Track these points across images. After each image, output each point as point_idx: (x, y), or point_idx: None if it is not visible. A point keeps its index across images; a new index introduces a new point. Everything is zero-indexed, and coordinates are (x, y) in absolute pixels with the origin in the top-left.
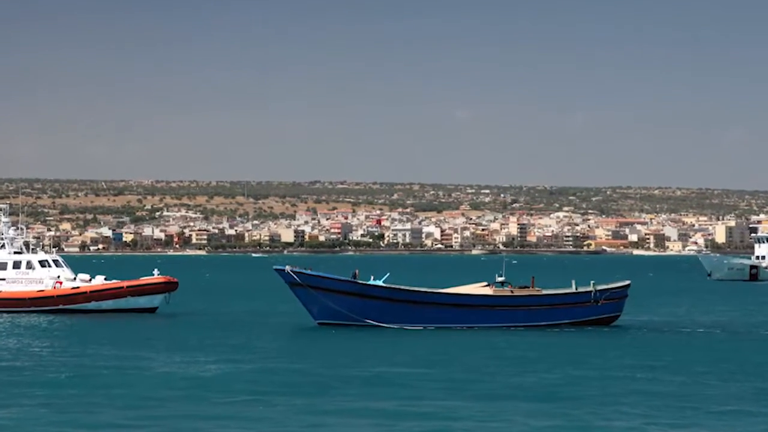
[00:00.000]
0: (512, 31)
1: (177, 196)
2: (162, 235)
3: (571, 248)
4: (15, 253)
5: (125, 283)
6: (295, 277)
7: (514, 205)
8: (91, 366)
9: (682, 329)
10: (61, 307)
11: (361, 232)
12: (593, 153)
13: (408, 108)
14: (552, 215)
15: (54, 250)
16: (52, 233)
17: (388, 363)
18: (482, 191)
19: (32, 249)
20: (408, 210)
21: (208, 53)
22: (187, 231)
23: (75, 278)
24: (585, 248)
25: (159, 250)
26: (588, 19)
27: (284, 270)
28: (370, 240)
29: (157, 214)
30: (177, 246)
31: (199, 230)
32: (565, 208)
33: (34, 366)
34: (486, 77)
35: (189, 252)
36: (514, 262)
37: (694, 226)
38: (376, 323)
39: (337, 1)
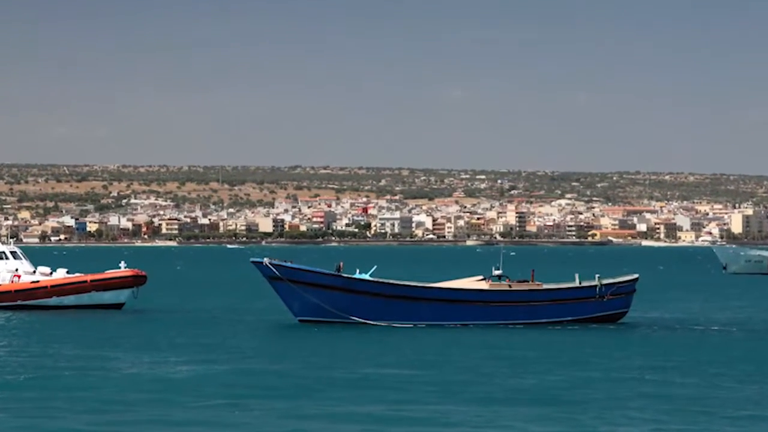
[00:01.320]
0: (510, 3)
1: (145, 182)
2: (129, 225)
3: (574, 239)
4: None
5: (89, 277)
6: (274, 270)
7: (512, 192)
8: (51, 367)
9: (694, 327)
10: (19, 302)
11: (345, 221)
12: (598, 135)
13: (397, 87)
14: (553, 203)
15: (11, 240)
16: (10, 222)
17: (376, 364)
18: (477, 177)
19: None
20: (397, 197)
21: (180, 28)
22: (156, 220)
23: (35, 272)
24: (589, 239)
25: (126, 240)
26: None
27: (262, 263)
28: (356, 230)
29: (124, 201)
30: (145, 236)
31: (169, 219)
32: (568, 196)
33: None
34: (482, 53)
35: (159, 243)
36: (513, 254)
37: (708, 214)
38: (363, 320)
39: None
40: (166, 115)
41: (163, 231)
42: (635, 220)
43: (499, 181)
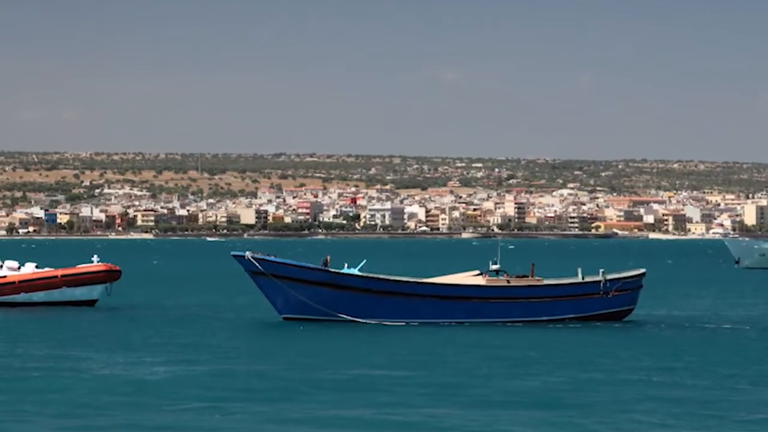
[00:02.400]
0: None
1: (120, 170)
2: (102, 216)
3: (576, 231)
4: None
5: (60, 272)
6: (257, 264)
7: (510, 181)
8: (19, 368)
9: (705, 325)
10: None
11: (333, 212)
12: (603, 120)
13: (387, 69)
14: (555, 193)
15: None
16: None
17: (365, 364)
18: (474, 165)
19: None
20: (388, 187)
21: (156, 5)
22: (131, 211)
23: (1, 266)
24: (593, 231)
25: (99, 233)
26: None
27: (244, 256)
28: (344, 222)
29: (97, 191)
30: (120, 228)
31: (145, 210)
32: (570, 185)
33: None
34: (477, 33)
35: (134, 235)
36: (511, 247)
37: (719, 205)
38: (351, 318)
39: None
40: (142, 99)
41: (139, 223)
42: (642, 211)
43: (497, 170)
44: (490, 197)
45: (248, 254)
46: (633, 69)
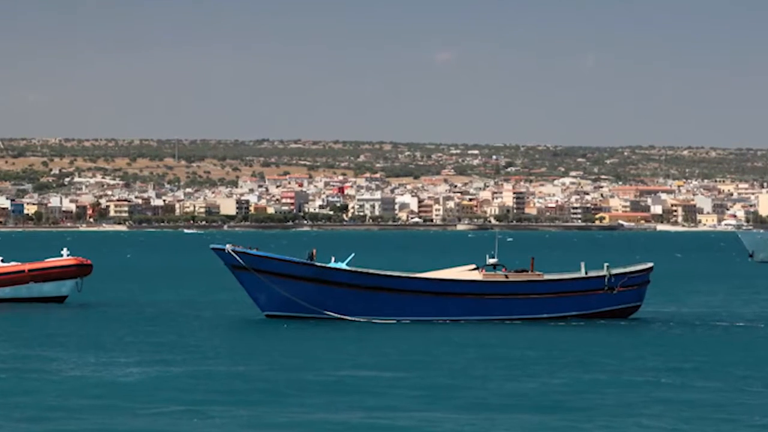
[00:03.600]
0: None
1: (91, 157)
2: (72, 207)
3: (579, 223)
4: None
5: (27, 266)
6: (238, 258)
7: (509, 169)
8: None
9: (717, 323)
10: None
11: (319, 202)
12: (608, 104)
13: (377, 49)
14: (556, 182)
15: None
16: None
17: (353, 365)
18: (470, 152)
19: None
20: (377, 175)
21: None
22: (103, 201)
23: None
24: (597, 223)
25: (69, 224)
26: None
27: (224, 250)
28: (331, 212)
29: (67, 180)
30: (91, 220)
31: (118, 200)
32: (573, 173)
33: None
34: (473, 9)
35: (106, 227)
36: (509, 239)
37: (732, 195)
38: (339, 316)
39: None
40: (115, 81)
41: (111, 214)
42: (649, 201)
43: (495, 157)
44: (487, 186)
45: (228, 247)
46: (640, 48)
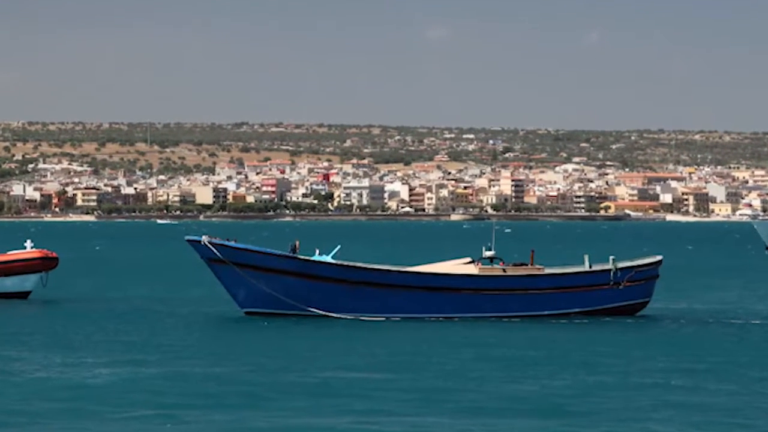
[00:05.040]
0: None
1: (57, 142)
2: (37, 195)
3: (583, 212)
4: None
5: None
6: (215, 251)
7: (507, 155)
8: None
9: (731, 320)
10: None
11: (302, 190)
12: (613, 85)
13: (365, 25)
14: (558, 168)
15: None
16: None
17: (340, 366)
18: (464, 136)
19: None
20: (365, 161)
21: None
22: (70, 189)
23: None
24: (602, 212)
25: (33, 214)
26: None
27: (200, 241)
28: (315, 201)
29: (30, 166)
30: (57, 209)
31: (86, 188)
32: (576, 159)
33: None
34: None
35: (73, 217)
36: (507, 230)
37: (747, 182)
38: (324, 312)
39: None
40: (83, 60)
41: (79, 203)
42: (658, 189)
43: (491, 142)
44: (484, 173)
45: (205, 239)
46: (647, 23)
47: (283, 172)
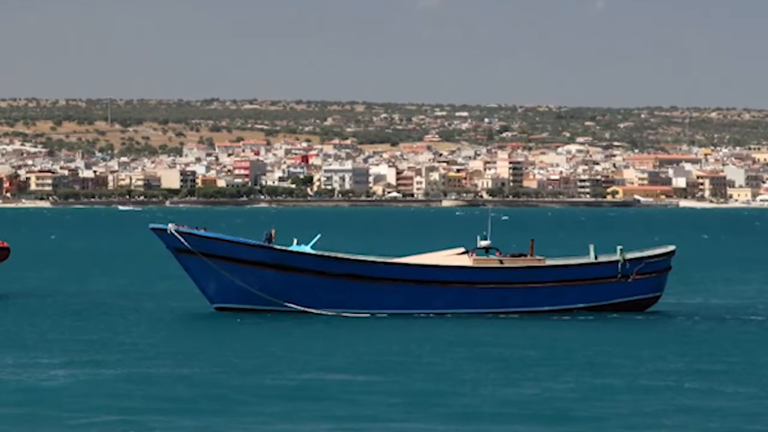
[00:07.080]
0: None
1: (8, 121)
2: None
3: (588, 198)
4: None
5: None
6: (183, 240)
7: (504, 134)
8: None
9: (751, 317)
10: None
11: (279, 174)
12: (621, 57)
13: None
14: (560, 149)
15: None
16: None
17: (320, 367)
18: (457, 114)
19: None
20: (348, 142)
21: None
22: (22, 172)
23: None
24: (609, 198)
25: None
26: None
27: (166, 230)
28: (293, 186)
29: None
30: (8, 195)
31: (40, 171)
32: (580, 139)
33: None
34: None
35: (26, 203)
36: (505, 218)
37: None
38: (302, 308)
39: None
40: (37, 30)
41: (32, 187)
42: (670, 172)
43: (487, 120)
44: (478, 155)
45: (171, 227)
46: None
47: (257, 153)
